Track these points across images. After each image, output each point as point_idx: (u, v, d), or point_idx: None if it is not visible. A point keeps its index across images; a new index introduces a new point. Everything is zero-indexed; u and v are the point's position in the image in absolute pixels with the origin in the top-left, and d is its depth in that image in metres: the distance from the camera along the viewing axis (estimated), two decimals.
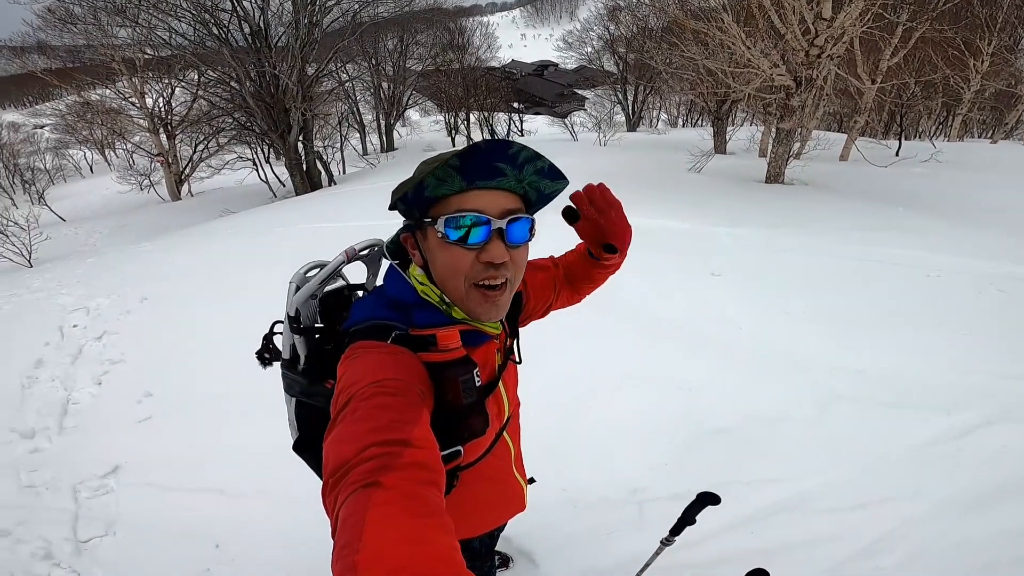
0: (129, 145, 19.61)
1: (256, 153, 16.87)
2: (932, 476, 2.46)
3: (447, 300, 0.91)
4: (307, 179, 15.36)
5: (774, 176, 9.49)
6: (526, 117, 35.14)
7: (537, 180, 0.89)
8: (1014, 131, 21.51)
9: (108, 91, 18.76)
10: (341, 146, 20.88)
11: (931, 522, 2.23)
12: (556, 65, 61.38)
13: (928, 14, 9.69)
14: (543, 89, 52.30)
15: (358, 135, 28.15)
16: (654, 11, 13.15)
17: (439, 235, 0.84)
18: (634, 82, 27.03)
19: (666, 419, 2.98)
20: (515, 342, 1.08)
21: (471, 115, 26.29)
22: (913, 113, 18.89)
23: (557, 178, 0.92)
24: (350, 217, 8.02)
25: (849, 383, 3.17)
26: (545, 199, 0.97)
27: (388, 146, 28.81)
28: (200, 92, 15.88)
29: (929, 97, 16.17)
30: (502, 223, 0.85)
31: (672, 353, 3.63)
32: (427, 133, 33.11)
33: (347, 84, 21.62)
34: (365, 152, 27.08)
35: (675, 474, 2.57)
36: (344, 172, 19.91)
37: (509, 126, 29.47)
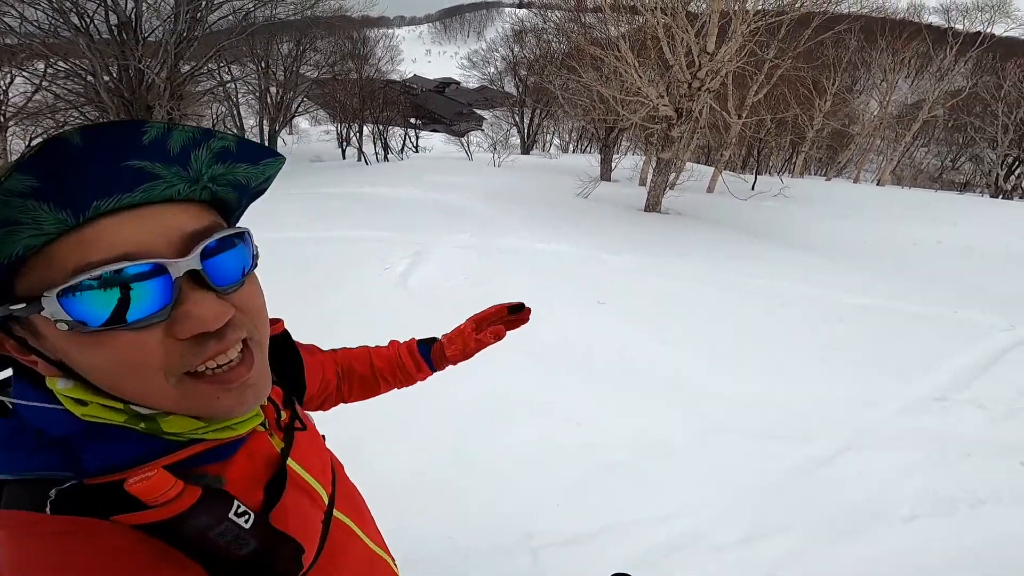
0: None
1: None
2: (803, 505, 2.58)
3: (144, 411, 0.50)
4: None
5: (653, 205, 10.09)
6: (423, 134, 34.79)
7: (226, 170, 0.51)
8: (843, 169, 25.32)
9: None
10: None
11: (808, 552, 2.31)
12: (458, 84, 61.98)
13: (791, 52, 10.83)
14: (443, 107, 52.47)
15: None
16: (557, 36, 13.75)
17: (62, 327, 0.44)
18: (531, 105, 27.90)
19: (557, 453, 2.89)
20: (292, 410, 0.69)
21: (365, 127, 25.44)
22: (767, 149, 21.44)
23: (261, 156, 0.54)
24: None
25: (725, 411, 3.30)
26: (254, 193, 0.59)
27: None
28: (45, 83, 13.71)
29: (780, 134, 18.42)
30: (191, 260, 0.47)
31: (562, 382, 3.60)
32: (315, 143, 31.55)
33: (228, 85, 19.89)
34: None
35: (570, 515, 2.47)
36: None
37: (404, 141, 28.94)
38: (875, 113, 23.12)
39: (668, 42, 8.38)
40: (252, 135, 27.23)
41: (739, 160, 21.27)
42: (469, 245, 6.59)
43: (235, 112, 25.06)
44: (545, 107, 24.90)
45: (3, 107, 15.38)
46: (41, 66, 13.64)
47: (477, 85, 45.97)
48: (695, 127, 10.66)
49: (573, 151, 33.88)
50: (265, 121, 26.99)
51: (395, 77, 34.75)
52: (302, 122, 36.92)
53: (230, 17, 13.84)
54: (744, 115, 12.51)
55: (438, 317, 4.48)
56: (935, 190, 22.13)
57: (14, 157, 15.52)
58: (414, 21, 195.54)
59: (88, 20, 12.03)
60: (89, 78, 12.32)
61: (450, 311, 4.27)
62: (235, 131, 25.62)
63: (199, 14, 12.63)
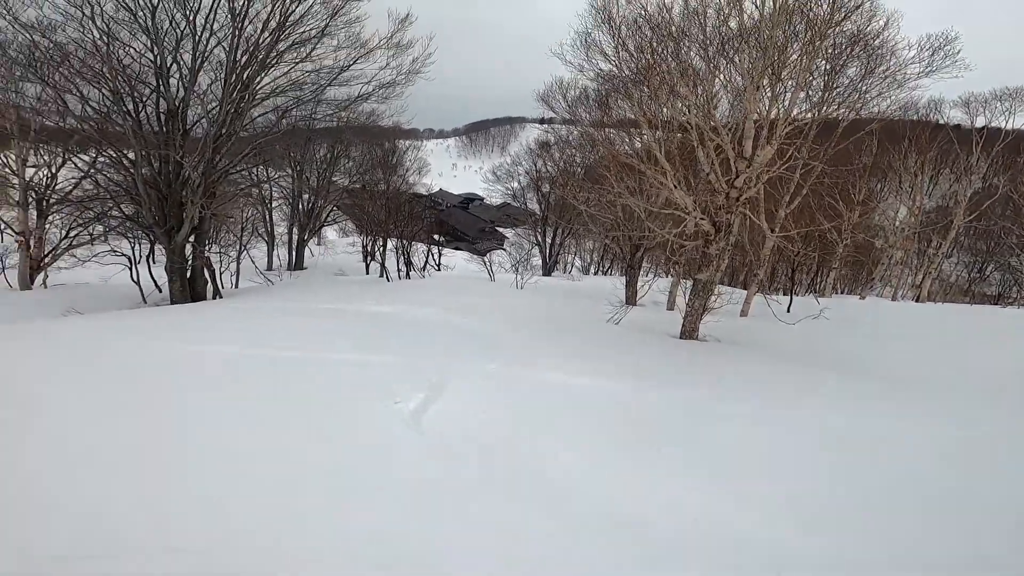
0: None
1: (135, 249, 14.88)
2: None
3: None
4: (188, 287, 13.51)
5: (690, 331, 9.36)
6: (445, 251, 35.43)
7: None
8: (869, 285, 24.19)
9: None
10: (239, 256, 19.23)
11: None
12: (482, 199, 64.57)
13: (823, 155, 10.34)
14: (466, 223, 53.99)
15: (263, 246, 26.58)
16: (581, 148, 14.10)
17: None
18: (554, 223, 28.46)
19: None
20: None
21: (389, 241, 25.88)
22: (797, 268, 20.62)
23: None
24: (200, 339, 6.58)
25: None
26: None
27: (297, 264, 27.33)
28: (92, 171, 14.13)
29: (810, 250, 17.67)
30: None
31: (619, 558, 2.54)
32: (340, 255, 32.18)
33: (263, 185, 20.56)
34: (270, 267, 25.38)
35: None
36: (236, 286, 18.13)
37: (427, 258, 29.30)
38: (902, 220, 22.12)
39: (702, 148, 8.12)
40: (281, 242, 27.88)
41: (766, 280, 20.66)
42: (494, 377, 5.74)
43: (267, 217, 25.79)
44: (568, 224, 25.30)
45: (48, 192, 15.81)
46: (88, 155, 14.11)
47: (500, 201, 47.76)
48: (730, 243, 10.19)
49: (595, 272, 34.13)
50: (295, 228, 27.74)
51: (422, 190, 36.28)
52: (330, 232, 38.14)
53: (270, 115, 14.35)
54: (777, 228, 12.02)
55: (457, 469, 3.54)
56: (969, 303, 20.66)
57: (50, 246, 15.76)
58: (442, 134, 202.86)
59: (141, 105, 12.54)
60: (129, 168, 12.58)
61: (474, 462, 3.29)
62: (266, 236, 26.29)
63: (241, 106, 13.03)
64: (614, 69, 8.45)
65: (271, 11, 12.34)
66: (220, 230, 18.15)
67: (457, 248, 44.07)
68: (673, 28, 7.60)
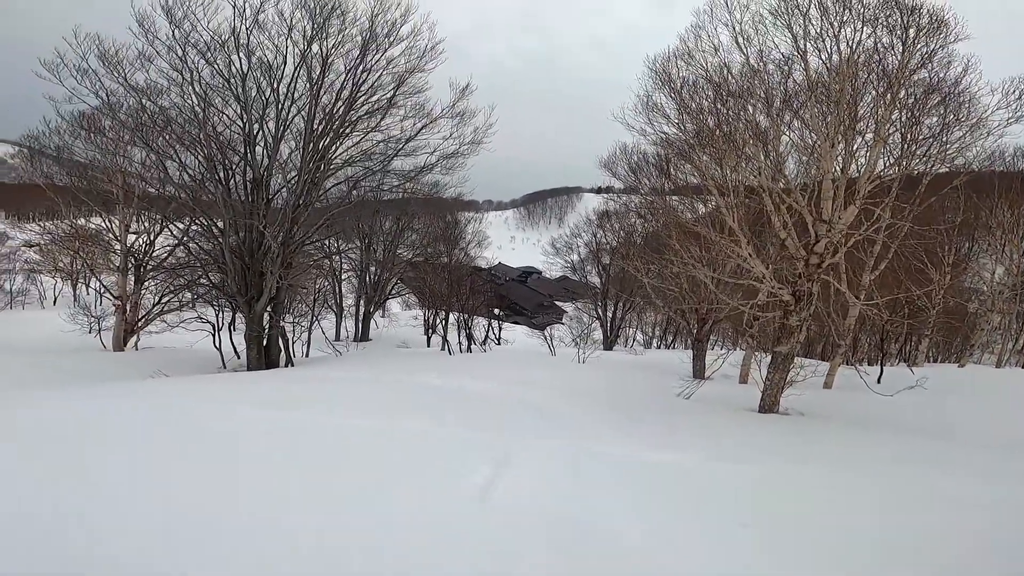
0: (94, 283, 18.47)
1: (218, 316, 15.82)
2: None
3: None
4: (264, 355, 14.09)
5: (769, 405, 8.71)
6: (505, 325, 35.56)
7: None
8: (968, 352, 21.60)
9: (98, 220, 18.23)
10: (310, 327, 20.08)
11: None
12: (540, 273, 65.09)
13: (909, 211, 9.39)
14: (525, 297, 54.25)
15: (332, 317, 27.68)
16: (641, 218, 13.86)
17: None
18: (614, 296, 28.03)
19: None
20: None
21: (450, 315, 26.34)
22: (886, 336, 18.86)
23: None
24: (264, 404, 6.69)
25: None
26: None
27: (363, 335, 28.19)
28: (185, 239, 15.31)
29: (897, 320, 16.13)
30: None
31: None
32: (404, 328, 32.98)
33: (334, 257, 21.59)
34: (338, 337, 26.27)
35: None
36: (307, 355, 18.79)
37: (487, 332, 29.50)
38: (1000, 281, 20.16)
39: (777, 213, 7.78)
40: (349, 314, 28.99)
41: (850, 350, 19.08)
42: (559, 451, 5.46)
43: (336, 289, 26.99)
44: (629, 297, 24.84)
45: (146, 259, 17.30)
46: (183, 224, 15.32)
47: (559, 275, 47.82)
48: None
49: (658, 346, 33.00)
50: (362, 300, 28.86)
51: (482, 264, 37.03)
52: (394, 305, 39.36)
53: (342, 185, 15.13)
54: (862, 296, 11.12)
55: (525, 544, 3.27)
56: None
57: (143, 312, 17.06)
58: (501, 206, 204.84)
59: (230, 173, 13.50)
60: (218, 237, 13.48)
61: (542, 536, 3.01)
62: (335, 308, 27.44)
63: (317, 176, 13.83)
64: (677, 132, 8.48)
65: (344, 80, 13.36)
66: (294, 300, 19.11)
67: (516, 322, 44.06)
68: (733, 86, 7.62)
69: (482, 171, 15.94)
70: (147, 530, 3.01)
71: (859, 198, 7.36)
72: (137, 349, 16.90)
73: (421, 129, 14.15)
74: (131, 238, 17.37)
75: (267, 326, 14.19)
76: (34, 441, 4.36)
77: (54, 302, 33.75)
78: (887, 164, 7.68)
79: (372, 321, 29.99)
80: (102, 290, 18.27)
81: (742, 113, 7.95)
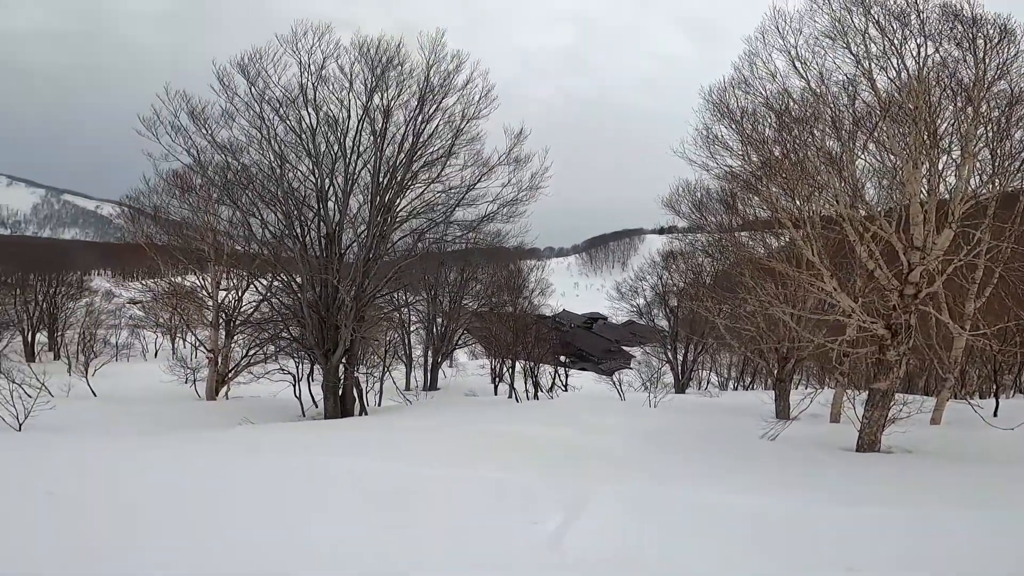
0: (191, 337, 19.92)
1: (298, 368, 16.65)
2: None
3: None
4: (340, 404, 14.57)
5: (868, 444, 8.04)
6: (571, 371, 35.05)
7: None
8: None
9: (193, 277, 19.63)
10: (383, 376, 20.65)
11: None
12: (605, 318, 63.93)
13: (1010, 231, 8.40)
14: (591, 344, 53.41)
15: (402, 367, 28.34)
16: (711, 255, 13.32)
17: None
18: (684, 339, 27.05)
19: None
20: None
21: (517, 363, 26.33)
22: (999, 367, 16.82)
23: None
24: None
25: None
26: None
27: (431, 385, 28.63)
28: (268, 294, 16.23)
29: (1010, 350, 14.32)
30: None
31: None
32: (471, 377, 33.19)
33: (403, 310, 22.07)
34: (408, 387, 26.78)
35: None
36: (379, 404, 19.29)
37: (554, 378, 29.17)
38: None
39: (861, 242, 7.31)
40: (418, 364, 29.62)
41: (958, 384, 17.18)
42: (633, 495, 5.26)
43: (405, 340, 27.71)
44: (701, 339, 23.85)
45: (235, 314, 18.57)
46: (266, 280, 16.31)
47: (625, 319, 46.83)
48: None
49: (734, 387, 31.31)
50: (430, 351, 29.46)
51: (546, 311, 36.87)
52: (461, 355, 39.82)
53: (407, 238, 15.41)
54: (968, 326, 10.01)
55: None
56: None
57: (232, 363, 18.24)
58: (562, 252, 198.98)
59: (306, 228, 14.08)
60: (297, 292, 14.13)
61: None
62: (404, 358, 28.15)
63: (384, 230, 14.21)
64: (741, 164, 8.29)
65: (405, 132, 13.80)
66: (367, 352, 19.80)
67: (583, 368, 43.32)
68: (797, 111, 7.43)
69: (541, 217, 16.04)
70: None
71: (954, 221, 6.83)
72: (227, 398, 17.98)
73: (480, 178, 14.37)
74: (221, 294, 18.77)
75: (342, 377, 14.69)
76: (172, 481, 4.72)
77: (155, 355, 36.68)
78: (980, 182, 7.13)
79: (440, 371, 30.39)
80: (197, 344, 19.75)
81: (810, 139, 7.72)
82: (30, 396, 9.24)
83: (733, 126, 8.13)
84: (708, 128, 8.64)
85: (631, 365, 41.10)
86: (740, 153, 8.21)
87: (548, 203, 14.96)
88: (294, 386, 15.86)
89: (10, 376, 10.09)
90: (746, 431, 9.88)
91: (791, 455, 7.89)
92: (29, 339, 37.16)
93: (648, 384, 19.78)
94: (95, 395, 16.21)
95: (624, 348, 51.85)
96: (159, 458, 5.97)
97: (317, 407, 15.47)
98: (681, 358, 28.09)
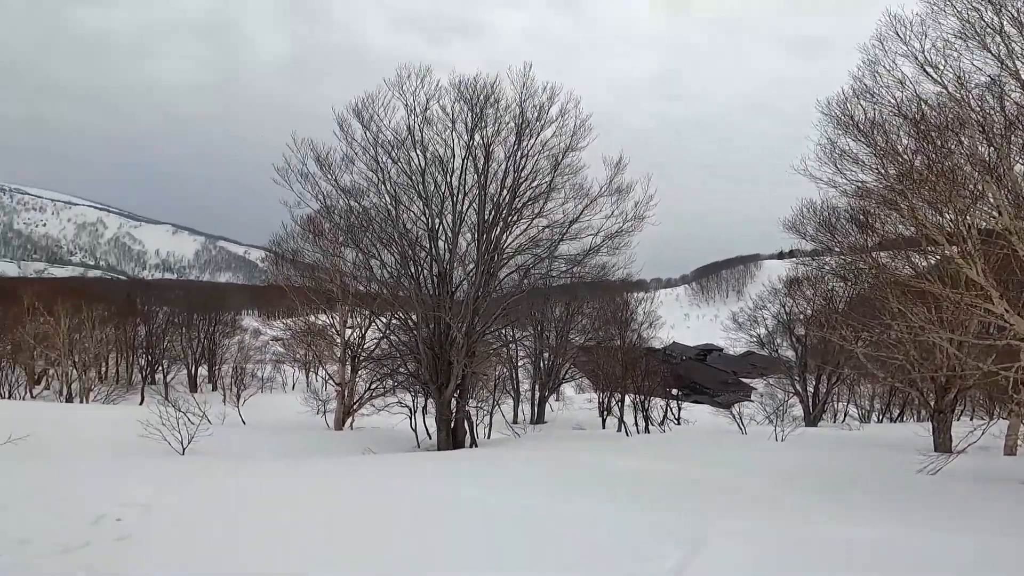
0: (322, 372, 21.76)
1: (414, 401, 17.46)
2: None
3: None
4: (452, 436, 14.98)
5: None
6: (685, 404, 33.33)
7: None
8: None
9: (324, 317, 21.49)
10: (492, 410, 20.99)
11: None
12: (720, 350, 60.59)
13: None
14: (705, 376, 50.93)
15: (510, 401, 28.64)
16: (846, 278, 12.00)
17: None
18: (815, 369, 24.65)
19: None
20: None
21: (626, 397, 25.56)
22: None
23: None
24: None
25: None
26: None
27: (538, 418, 28.66)
28: (388, 333, 17.23)
29: None
30: None
31: None
32: (578, 411, 32.76)
33: (511, 345, 22.35)
34: (515, 420, 26.99)
35: None
36: (489, 436, 19.60)
37: (666, 411, 27.88)
38: None
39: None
40: (525, 398, 29.84)
41: None
42: (758, 533, 4.88)
43: (513, 375, 28.04)
44: (836, 369, 21.51)
45: (359, 351, 20.01)
46: (384, 318, 17.36)
47: (743, 351, 43.85)
48: None
49: (878, 420, 27.82)
50: (537, 385, 29.59)
51: (655, 344, 35.54)
52: (568, 389, 39.49)
53: (514, 275, 15.50)
54: None
55: None
56: None
57: (357, 396, 19.64)
58: (670, 283, 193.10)
59: (420, 267, 14.64)
60: (414, 330, 14.83)
61: None
62: (512, 392, 28.50)
63: (492, 267, 14.46)
64: (876, 179, 7.50)
65: (506, 168, 13.97)
66: (477, 386, 20.31)
67: (697, 402, 41.25)
68: (935, 118, 6.62)
69: (647, 248, 15.51)
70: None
71: None
72: (352, 429, 19.29)
73: (582, 211, 14.26)
74: (348, 332, 20.41)
75: (454, 410, 15.12)
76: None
77: (292, 387, 40.64)
78: None
79: (547, 405, 30.35)
80: (327, 378, 21.55)
81: (957, 147, 6.84)
82: (193, 423, 10.48)
83: (862, 138, 7.44)
84: (833, 142, 8.00)
85: (751, 397, 38.34)
86: (873, 166, 7.46)
87: (653, 233, 14.50)
88: (410, 418, 16.60)
89: (176, 405, 11.48)
90: (897, 466, 8.96)
91: (965, 490, 6.97)
92: (192, 372, 43.02)
93: (773, 417, 18.24)
94: (244, 423, 18.15)
95: (742, 380, 48.65)
96: (309, 482, 6.53)
97: (431, 439, 16.05)
98: (812, 389, 25.60)
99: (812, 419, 24.57)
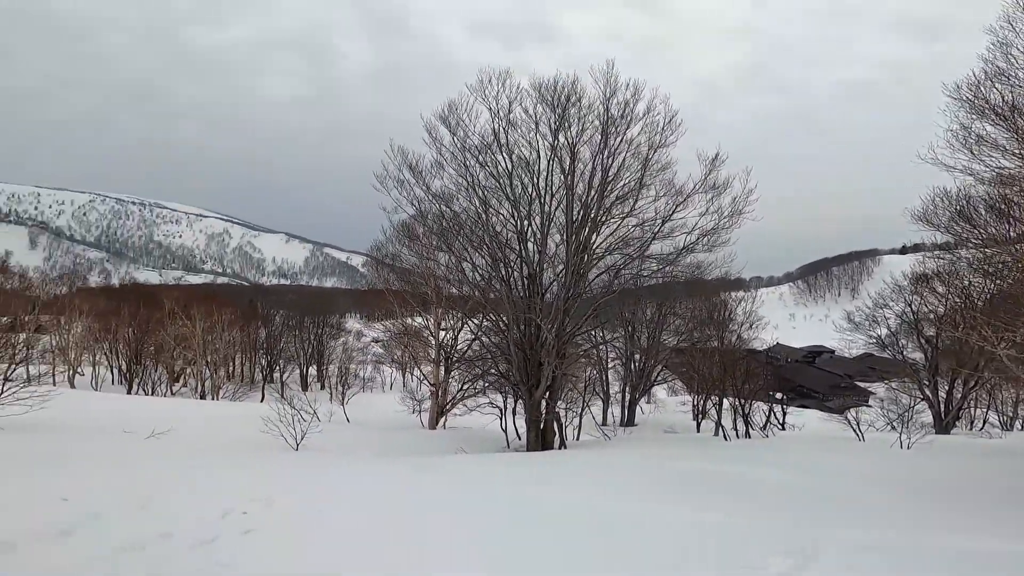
0: (417, 372, 22.86)
1: (505, 402, 17.74)
2: None
3: None
4: (541, 437, 15.07)
5: None
6: (791, 409, 31.12)
7: None
8: None
9: (420, 319, 22.42)
10: (582, 412, 20.85)
11: None
12: (832, 352, 56.49)
13: None
14: (813, 379, 47.89)
15: (599, 403, 28.28)
16: (991, 273, 10.59)
17: None
18: (947, 372, 22.01)
19: None
20: None
21: (724, 400, 24.31)
22: None
23: None
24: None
25: None
26: None
27: (628, 420, 28.08)
28: (480, 334, 17.65)
29: None
30: None
31: None
32: (671, 414, 31.64)
33: (601, 347, 22.09)
34: (604, 422, 26.63)
35: None
36: (578, 438, 19.51)
37: (768, 416, 26.21)
38: None
39: None
40: (615, 400, 29.33)
41: None
42: (881, 545, 4.52)
43: (603, 377, 27.66)
44: (975, 372, 18.95)
45: (452, 352, 20.73)
46: (476, 320, 17.84)
47: (859, 352, 40.13)
48: None
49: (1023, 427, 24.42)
50: (627, 388, 28.96)
51: (756, 345, 33.47)
52: (660, 391, 38.32)
53: (603, 276, 15.24)
54: None
55: None
56: None
57: (450, 396, 20.45)
58: (772, 282, 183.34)
59: (510, 269, 14.83)
60: (504, 331, 15.06)
61: None
62: (601, 395, 28.13)
63: (581, 268, 14.34)
64: (1019, 165, 6.54)
65: (592, 167, 13.78)
66: (566, 387, 20.29)
67: (803, 406, 38.65)
68: None
69: (746, 246, 14.60)
70: None
71: None
72: (445, 428, 20.02)
73: (675, 209, 13.77)
74: (442, 334, 21.19)
75: (544, 411, 15.20)
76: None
77: (390, 387, 43.00)
78: None
79: (637, 407, 29.70)
80: (422, 378, 22.54)
81: None
82: (305, 421, 11.39)
83: (1001, 122, 6.54)
84: (966, 127, 7.14)
85: (869, 402, 35.24)
86: (1017, 152, 6.52)
87: (753, 230, 13.62)
88: (501, 419, 16.91)
89: (292, 403, 12.51)
90: None
91: None
92: (304, 371, 46.87)
93: (898, 424, 16.55)
94: (348, 421, 19.45)
95: (858, 384, 44.74)
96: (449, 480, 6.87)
97: (520, 439, 16.26)
98: (944, 394, 22.86)
99: (944, 426, 22.01)
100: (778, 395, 31.46)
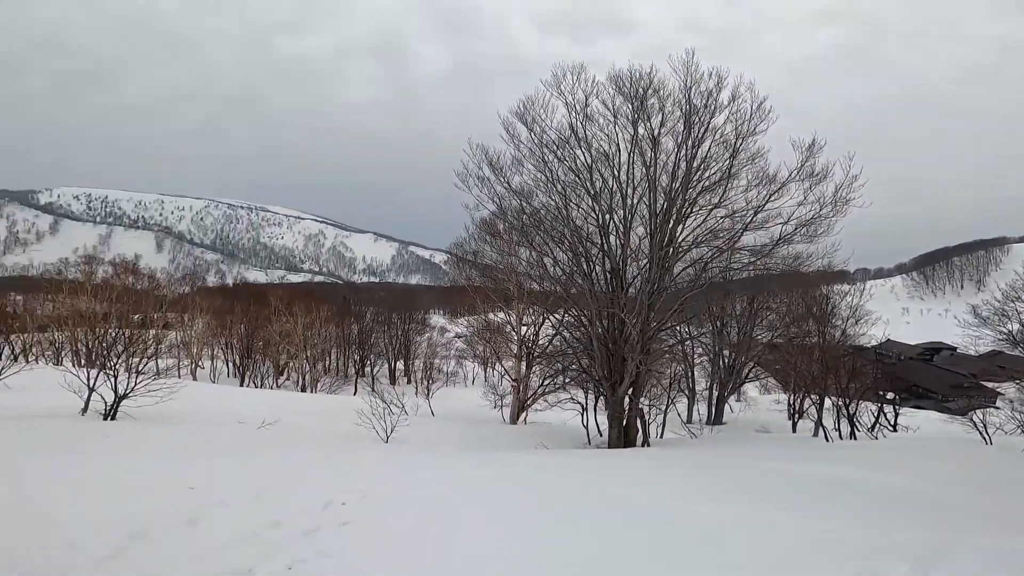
0: (499, 367, 23.23)
1: (586, 397, 17.62)
2: None
3: None
4: (623, 434, 14.81)
5: None
6: (904, 410, 28.45)
7: None
8: None
9: (502, 315, 22.79)
10: (666, 409, 20.25)
11: None
12: (953, 349, 51.02)
13: None
14: (930, 378, 43.60)
15: (684, 400, 27.32)
16: None
17: None
18: None
19: None
20: None
21: (825, 399, 22.61)
22: None
23: None
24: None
25: None
26: None
27: (716, 419, 26.95)
28: (562, 329, 17.62)
29: None
30: None
31: None
32: (764, 412, 29.89)
33: (687, 343, 21.36)
34: (689, 420, 25.72)
35: None
36: (661, 436, 18.97)
37: (877, 417, 24.09)
38: None
39: None
40: (701, 398, 28.22)
41: None
42: (1014, 552, 4.07)
43: (689, 373, 26.73)
44: None
45: (534, 347, 20.88)
46: (558, 315, 17.77)
47: (987, 350, 35.85)
48: None
49: None
50: (715, 385, 27.75)
51: (864, 342, 30.72)
52: (751, 389, 36.46)
53: (690, 269, 14.75)
54: None
55: None
56: None
57: (531, 391, 20.63)
58: (882, 273, 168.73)
59: (592, 264, 14.65)
60: (586, 326, 14.88)
61: None
62: (687, 392, 27.17)
63: (666, 262, 13.93)
64: None
65: (676, 158, 13.30)
66: (650, 384, 19.79)
67: (918, 407, 35.31)
68: None
69: (852, 236, 13.57)
70: None
71: None
72: (525, 423, 20.22)
73: (768, 198, 13.03)
74: (523, 329, 21.38)
75: (627, 408, 14.93)
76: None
77: (473, 382, 44.18)
78: None
79: (726, 405, 28.43)
80: (503, 373, 22.88)
81: None
82: (394, 414, 11.93)
83: None
84: None
85: (997, 404, 31.80)
86: None
87: (859, 218, 12.67)
88: (582, 415, 16.81)
89: (382, 397, 13.15)
90: None
91: None
92: (392, 366, 49.29)
93: None
94: (433, 414, 20.18)
95: (984, 384, 40.11)
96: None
97: (601, 436, 16.08)
98: None
99: None
100: (889, 395, 28.93)
